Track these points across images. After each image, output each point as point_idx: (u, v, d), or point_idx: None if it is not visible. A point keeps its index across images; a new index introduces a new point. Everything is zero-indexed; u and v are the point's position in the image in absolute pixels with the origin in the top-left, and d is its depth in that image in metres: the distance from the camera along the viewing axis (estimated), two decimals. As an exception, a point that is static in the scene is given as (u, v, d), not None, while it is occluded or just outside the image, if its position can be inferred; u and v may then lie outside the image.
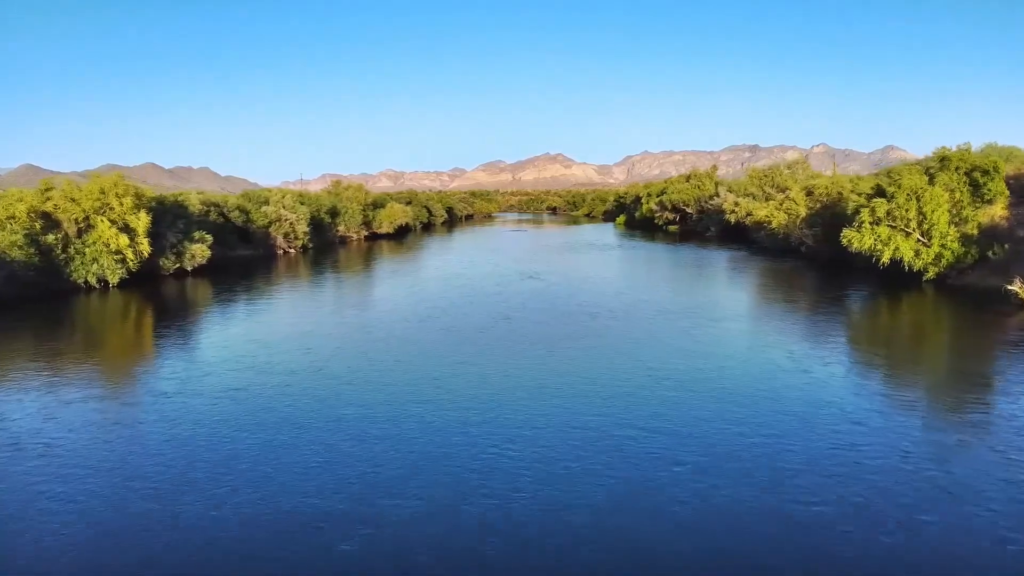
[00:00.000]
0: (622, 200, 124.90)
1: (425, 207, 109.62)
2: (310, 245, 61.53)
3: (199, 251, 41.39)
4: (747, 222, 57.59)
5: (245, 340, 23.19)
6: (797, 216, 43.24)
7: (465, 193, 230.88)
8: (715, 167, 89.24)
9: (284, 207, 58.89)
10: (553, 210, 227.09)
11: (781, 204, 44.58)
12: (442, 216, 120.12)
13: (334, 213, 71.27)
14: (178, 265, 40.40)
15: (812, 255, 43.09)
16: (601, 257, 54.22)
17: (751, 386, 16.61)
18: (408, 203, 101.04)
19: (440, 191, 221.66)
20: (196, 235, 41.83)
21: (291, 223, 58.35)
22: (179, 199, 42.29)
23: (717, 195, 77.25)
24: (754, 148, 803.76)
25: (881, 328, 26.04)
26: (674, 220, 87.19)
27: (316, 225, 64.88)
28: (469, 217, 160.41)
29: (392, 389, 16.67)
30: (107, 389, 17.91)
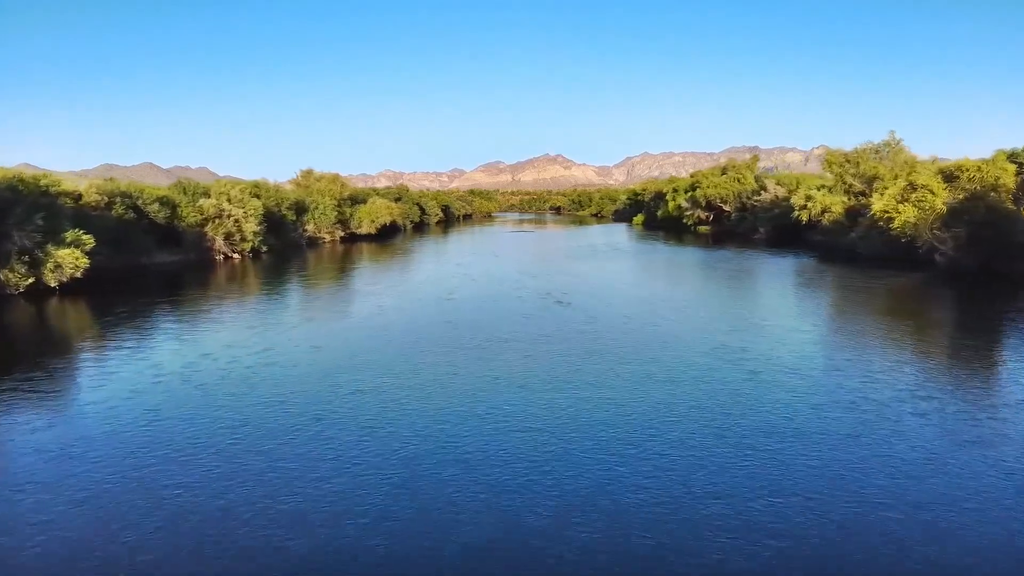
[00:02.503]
0: (639, 198, 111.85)
1: (417, 204, 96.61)
2: (263, 249, 48.49)
3: (69, 259, 28.37)
4: (825, 220, 44.66)
5: (89, 409, 11.96)
6: (932, 211, 30.20)
7: (464, 192, 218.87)
8: (756, 157, 76.33)
9: (229, 200, 45.93)
10: (557, 210, 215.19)
11: (905, 195, 31.47)
12: (437, 215, 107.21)
13: (301, 209, 58.32)
14: (32, 280, 27.41)
15: (951, 266, 30.13)
16: (641, 267, 41.18)
17: None
18: (397, 199, 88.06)
19: (439, 191, 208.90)
20: (68, 236, 28.88)
21: (236, 220, 45.37)
22: (42, 185, 29.04)
23: (764, 189, 64.46)
24: (754, 149, 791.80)
25: None
26: (707, 219, 74.32)
27: (275, 224, 51.96)
28: (468, 217, 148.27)
29: None
30: None
